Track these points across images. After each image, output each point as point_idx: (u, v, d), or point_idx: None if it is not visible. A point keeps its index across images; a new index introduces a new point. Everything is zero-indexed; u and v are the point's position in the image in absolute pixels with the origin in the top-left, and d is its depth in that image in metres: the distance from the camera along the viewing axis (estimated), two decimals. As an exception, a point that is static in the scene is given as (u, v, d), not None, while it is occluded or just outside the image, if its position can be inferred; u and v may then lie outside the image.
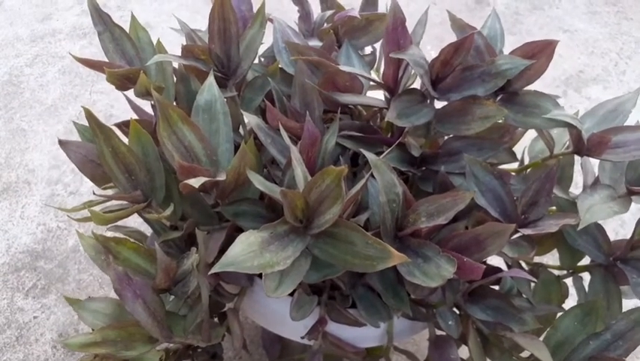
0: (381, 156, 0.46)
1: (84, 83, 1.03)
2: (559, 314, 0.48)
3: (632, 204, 0.47)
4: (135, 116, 0.53)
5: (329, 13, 0.58)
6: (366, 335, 0.50)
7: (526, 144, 0.57)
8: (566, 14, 1.20)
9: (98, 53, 1.06)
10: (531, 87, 0.48)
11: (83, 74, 1.04)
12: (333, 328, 0.49)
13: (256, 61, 0.55)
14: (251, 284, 0.51)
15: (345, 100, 0.48)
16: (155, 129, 0.45)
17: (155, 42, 0.53)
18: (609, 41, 1.15)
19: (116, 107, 0.99)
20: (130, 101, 0.54)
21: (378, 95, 0.51)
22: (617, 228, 0.86)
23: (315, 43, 0.55)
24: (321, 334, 0.49)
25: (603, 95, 1.05)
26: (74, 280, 0.78)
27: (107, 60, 0.50)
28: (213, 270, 0.37)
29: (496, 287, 0.51)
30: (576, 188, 0.53)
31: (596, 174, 0.51)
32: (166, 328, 0.44)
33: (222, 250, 0.39)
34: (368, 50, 0.60)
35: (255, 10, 0.53)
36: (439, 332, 0.50)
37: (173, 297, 0.51)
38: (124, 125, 0.53)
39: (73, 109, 0.99)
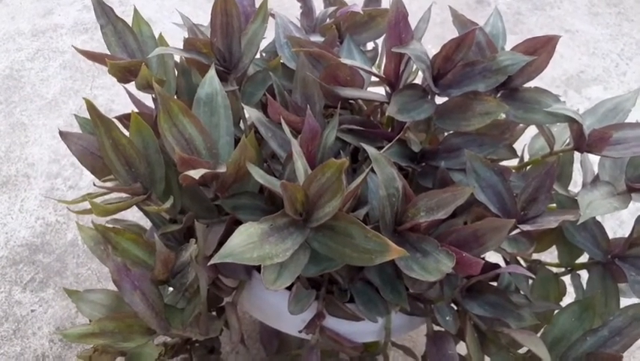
0: (382, 151, 0.46)
1: (85, 78, 1.03)
2: (556, 311, 0.48)
3: (631, 203, 0.47)
4: (136, 110, 0.53)
5: (331, 9, 0.58)
6: (363, 330, 0.50)
7: (526, 141, 0.57)
8: (567, 15, 1.20)
9: (99, 48, 1.06)
10: (533, 85, 0.48)
11: (84, 69, 1.04)
12: (331, 322, 0.50)
13: (258, 56, 0.55)
14: (249, 278, 0.51)
15: (346, 94, 0.48)
16: (156, 122, 0.45)
17: (156, 37, 0.53)
18: (610, 42, 1.15)
19: (116, 101, 0.99)
20: (130, 95, 0.54)
21: (379, 91, 0.51)
22: (616, 227, 0.86)
23: (317, 38, 0.55)
24: (319, 328, 0.49)
25: (603, 95, 1.05)
26: (72, 274, 0.78)
27: (109, 53, 0.50)
28: (213, 260, 0.37)
29: (494, 283, 0.51)
30: (575, 187, 0.53)
31: (596, 172, 0.51)
32: (164, 320, 0.44)
33: (221, 243, 0.39)
34: (370, 46, 0.60)
35: (257, 5, 0.53)
36: (436, 328, 0.50)
37: (171, 290, 0.51)
38: (124, 118, 0.53)
39: (73, 103, 0.99)
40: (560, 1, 1.23)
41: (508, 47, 0.51)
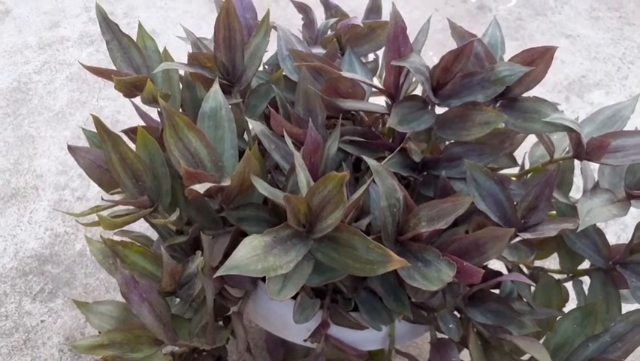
0: (383, 162, 0.46)
1: (91, 90, 1.04)
2: (558, 318, 0.49)
3: (634, 208, 0.47)
4: (142, 123, 0.54)
5: (332, 21, 0.59)
6: (368, 338, 0.51)
7: (526, 150, 0.58)
8: (568, 20, 1.21)
9: (105, 60, 1.07)
10: (534, 92, 0.49)
11: (90, 80, 1.05)
12: (336, 331, 0.50)
13: (260, 68, 0.56)
14: (254, 288, 0.52)
15: (347, 106, 0.49)
16: (162, 135, 0.45)
17: (161, 50, 0.54)
18: (611, 47, 1.15)
19: (122, 113, 1.01)
20: (137, 108, 0.55)
21: (380, 102, 0.52)
22: (619, 232, 0.86)
23: (318, 50, 0.56)
24: (324, 337, 0.50)
25: (605, 100, 1.05)
26: (81, 285, 0.79)
27: (114, 68, 0.51)
28: (218, 273, 0.37)
29: (497, 291, 0.52)
30: (577, 193, 0.53)
31: (596, 179, 0.51)
32: (171, 330, 0.45)
33: (227, 254, 0.40)
34: (371, 57, 0.61)
35: (259, 18, 0.54)
36: (440, 336, 0.51)
37: (178, 301, 0.51)
38: (131, 132, 0.54)
39: (80, 115, 1.00)
40: (561, 6, 1.24)
41: (509, 53, 0.52)
